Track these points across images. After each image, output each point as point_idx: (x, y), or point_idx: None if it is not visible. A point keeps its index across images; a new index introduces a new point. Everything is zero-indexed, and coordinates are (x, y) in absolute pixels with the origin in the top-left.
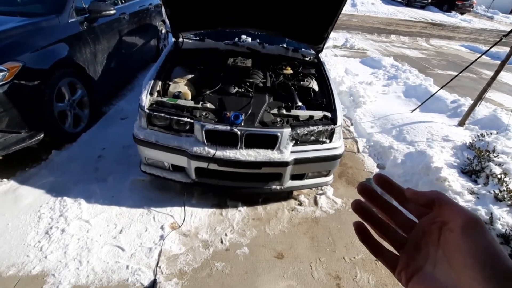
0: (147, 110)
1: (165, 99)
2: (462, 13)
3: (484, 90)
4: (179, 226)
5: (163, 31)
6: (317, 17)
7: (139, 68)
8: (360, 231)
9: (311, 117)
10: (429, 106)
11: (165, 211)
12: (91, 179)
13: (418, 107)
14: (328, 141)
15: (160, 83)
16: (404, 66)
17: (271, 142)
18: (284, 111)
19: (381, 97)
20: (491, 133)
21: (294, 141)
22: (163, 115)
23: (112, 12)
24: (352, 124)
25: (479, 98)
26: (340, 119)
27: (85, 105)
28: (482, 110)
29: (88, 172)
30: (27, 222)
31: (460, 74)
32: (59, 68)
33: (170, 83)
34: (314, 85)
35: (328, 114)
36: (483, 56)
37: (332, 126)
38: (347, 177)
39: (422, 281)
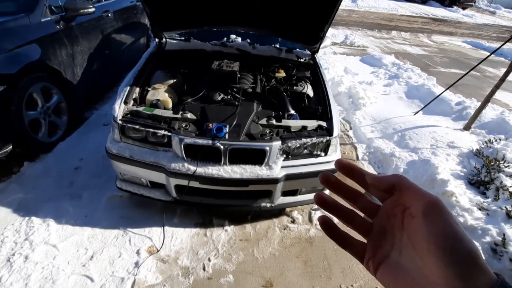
0: (120, 122)
1: (141, 109)
2: (464, 8)
3: (493, 92)
4: (157, 251)
5: None
6: (313, 14)
7: (126, 69)
8: (325, 225)
9: (304, 127)
10: (433, 108)
11: (143, 233)
12: (65, 195)
13: (421, 109)
14: (323, 154)
15: (137, 89)
16: (405, 65)
17: (258, 157)
18: (273, 121)
19: (382, 98)
20: (499, 139)
21: (285, 155)
22: (137, 127)
23: (91, 10)
24: (351, 128)
25: (487, 101)
26: (336, 130)
27: (63, 112)
28: (489, 113)
29: (62, 187)
30: None
31: (463, 72)
32: (29, 72)
33: (148, 89)
34: (309, 90)
35: (323, 124)
36: (486, 53)
37: (328, 137)
38: None
39: (389, 269)
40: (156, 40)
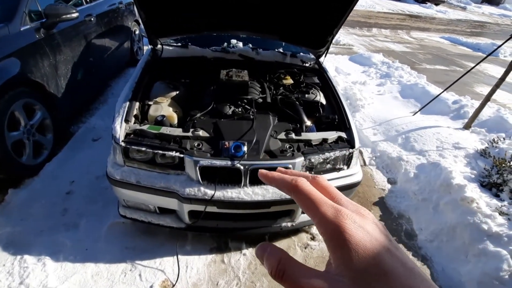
0: (122, 144)
1: (145, 127)
2: (436, 4)
3: (493, 91)
4: (173, 285)
5: (137, 32)
6: (321, 16)
7: (112, 75)
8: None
9: (324, 140)
10: (430, 108)
11: (153, 265)
12: (59, 226)
13: (419, 110)
14: (345, 167)
15: (137, 104)
16: (395, 63)
17: None
18: (293, 135)
19: (378, 99)
20: (504, 139)
21: (307, 172)
22: (144, 149)
23: (75, 15)
24: None
25: (487, 100)
26: (357, 140)
27: (48, 129)
28: (486, 111)
29: (54, 216)
30: None
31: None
32: (10, 89)
33: (150, 103)
34: (321, 98)
35: (343, 135)
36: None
37: (350, 150)
38: (358, 197)
39: None
40: (151, 47)
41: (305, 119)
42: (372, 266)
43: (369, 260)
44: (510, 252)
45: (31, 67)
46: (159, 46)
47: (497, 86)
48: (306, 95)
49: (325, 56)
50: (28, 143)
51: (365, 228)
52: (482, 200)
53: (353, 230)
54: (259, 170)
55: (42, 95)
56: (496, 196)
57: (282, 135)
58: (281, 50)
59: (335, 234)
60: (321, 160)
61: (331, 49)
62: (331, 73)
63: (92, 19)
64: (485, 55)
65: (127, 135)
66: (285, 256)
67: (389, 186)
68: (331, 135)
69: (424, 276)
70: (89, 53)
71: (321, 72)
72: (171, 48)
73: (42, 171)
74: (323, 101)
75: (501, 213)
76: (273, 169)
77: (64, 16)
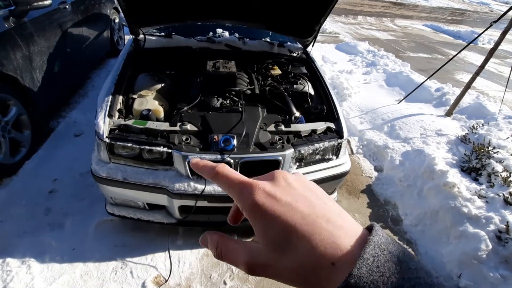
0: (107, 140)
1: (130, 122)
2: None
3: (473, 79)
4: (166, 280)
5: (117, 20)
6: (308, 6)
7: (91, 67)
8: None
9: (313, 131)
10: (414, 96)
11: (145, 261)
12: (43, 226)
13: (404, 98)
14: (334, 157)
15: (121, 98)
16: (380, 52)
17: (271, 168)
18: (282, 127)
19: (364, 87)
20: (482, 125)
21: (297, 163)
22: (129, 144)
23: (47, 2)
24: None
25: (467, 88)
26: (346, 130)
27: (25, 125)
28: (466, 98)
29: (37, 216)
30: None
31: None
32: None
33: (134, 96)
34: (310, 89)
35: (332, 125)
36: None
37: (339, 140)
38: (347, 186)
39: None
40: (132, 37)
41: (294, 110)
42: (278, 229)
43: (275, 224)
44: (488, 233)
45: (2, 60)
46: (141, 36)
47: (477, 74)
48: (295, 86)
49: (313, 45)
50: (3, 141)
51: (274, 195)
52: (463, 185)
53: (262, 202)
54: (191, 160)
55: (17, 89)
56: (475, 180)
57: (271, 127)
58: (268, 39)
59: (249, 209)
60: (311, 151)
61: (317, 37)
62: (318, 62)
63: (67, 6)
64: (465, 43)
65: (111, 130)
66: (221, 239)
67: (375, 173)
68: (320, 126)
69: (332, 217)
70: (66, 44)
71: (309, 62)
72: (154, 38)
73: (21, 170)
74: (312, 92)
75: (480, 196)
76: (263, 161)
77: (35, 3)
